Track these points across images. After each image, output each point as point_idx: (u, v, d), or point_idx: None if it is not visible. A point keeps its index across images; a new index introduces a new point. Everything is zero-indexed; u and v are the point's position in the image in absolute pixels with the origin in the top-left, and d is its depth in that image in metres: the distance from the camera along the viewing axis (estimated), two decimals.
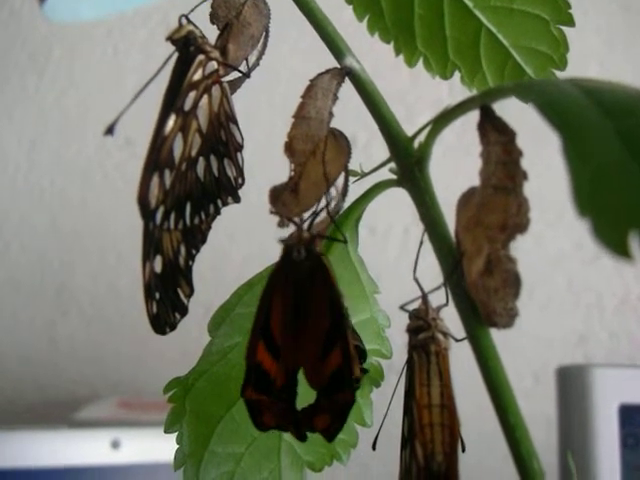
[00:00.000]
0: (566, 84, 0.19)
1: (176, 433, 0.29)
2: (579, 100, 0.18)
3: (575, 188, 0.16)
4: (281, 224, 0.24)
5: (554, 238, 0.79)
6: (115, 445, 0.61)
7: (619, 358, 0.78)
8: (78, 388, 0.84)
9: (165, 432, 0.28)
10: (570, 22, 0.30)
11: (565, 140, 0.17)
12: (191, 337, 0.82)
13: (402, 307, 0.25)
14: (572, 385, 0.51)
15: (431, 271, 0.26)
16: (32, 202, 0.87)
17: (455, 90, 0.81)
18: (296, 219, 0.24)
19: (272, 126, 0.81)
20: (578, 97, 0.18)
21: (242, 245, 0.80)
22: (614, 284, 0.79)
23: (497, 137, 0.22)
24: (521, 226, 0.22)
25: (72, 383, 0.84)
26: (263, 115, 0.81)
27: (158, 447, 0.62)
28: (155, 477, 0.62)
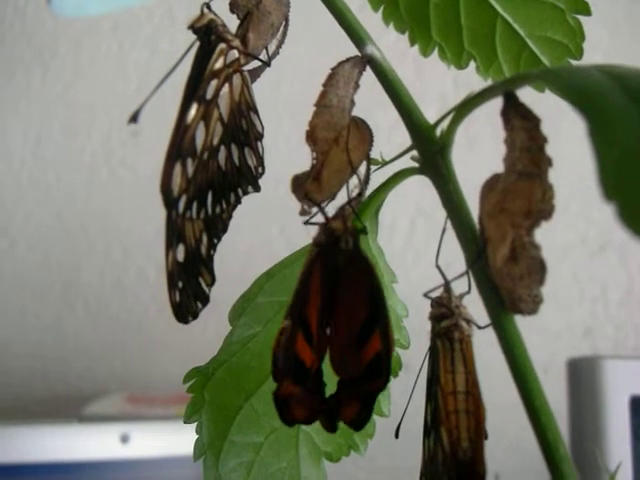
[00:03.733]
0: (591, 69, 0.19)
1: (188, 425, 0.28)
2: (605, 85, 0.18)
3: (601, 173, 0.16)
4: (302, 212, 0.24)
5: (559, 230, 0.79)
6: (124, 439, 0.61)
7: (625, 350, 0.79)
8: (86, 383, 0.84)
9: (185, 422, 0.28)
10: (586, 11, 0.30)
11: (591, 125, 0.17)
12: (197, 331, 0.82)
13: (426, 295, 0.25)
14: (583, 377, 0.52)
15: (444, 259, 0.26)
16: (38, 198, 0.87)
17: (460, 83, 0.82)
18: (320, 205, 0.24)
19: (278, 119, 0.81)
20: (604, 82, 0.18)
21: (247, 238, 0.80)
22: (619, 276, 0.79)
23: (521, 123, 0.22)
24: (546, 212, 0.22)
25: (80, 379, 0.84)
26: (269, 108, 0.81)
27: (167, 441, 0.62)
28: (164, 471, 0.62)
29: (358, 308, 0.22)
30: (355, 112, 0.25)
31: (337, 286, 0.23)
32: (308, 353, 0.23)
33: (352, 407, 0.23)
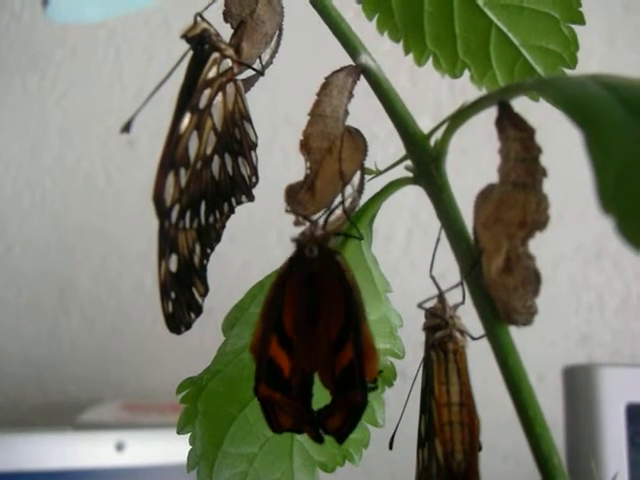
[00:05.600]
0: (587, 80, 0.19)
1: (184, 435, 0.28)
2: (602, 96, 0.18)
3: (599, 186, 0.16)
4: (297, 222, 0.24)
5: (555, 238, 0.79)
6: (119, 447, 0.61)
7: (621, 358, 0.79)
8: (81, 390, 0.83)
9: (178, 433, 0.28)
10: (580, 20, 0.30)
11: (588, 137, 0.17)
12: (193, 339, 0.82)
13: (420, 305, 0.25)
14: (579, 385, 0.51)
15: (439, 269, 0.26)
16: (34, 203, 0.87)
17: (455, 92, 0.82)
18: (310, 217, 0.24)
19: (274, 127, 0.81)
20: (601, 93, 0.18)
21: (242, 247, 0.80)
22: (614, 284, 0.79)
23: (516, 133, 0.22)
24: (540, 223, 0.21)
25: (75, 385, 0.84)
26: (265, 116, 0.81)
27: (162, 449, 0.62)
28: (159, 479, 0.62)
29: (335, 316, 0.22)
30: (351, 122, 0.25)
31: (314, 296, 0.23)
32: (285, 360, 0.23)
33: (336, 418, 0.23)
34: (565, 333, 0.79)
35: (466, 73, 0.31)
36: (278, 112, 0.82)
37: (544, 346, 0.78)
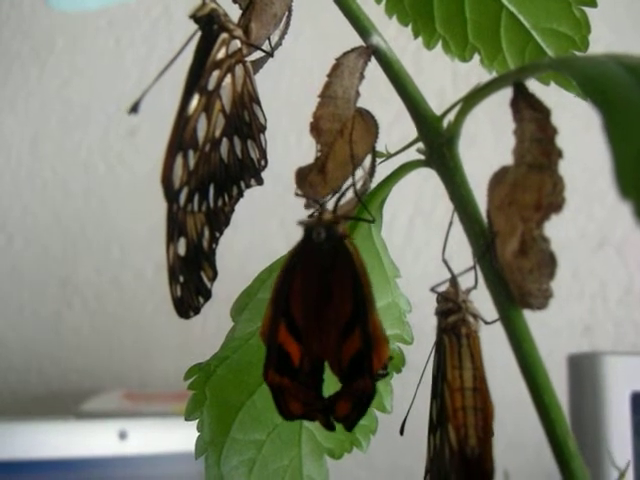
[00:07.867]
0: (607, 60, 0.19)
1: (187, 422, 0.28)
2: (621, 77, 0.18)
3: (618, 169, 0.16)
4: (307, 206, 0.24)
5: (558, 227, 0.78)
6: (122, 436, 0.61)
7: (624, 347, 0.78)
8: (83, 380, 0.83)
9: (185, 419, 0.28)
10: (592, 3, 0.29)
11: (607, 119, 0.17)
12: (195, 327, 0.82)
13: (432, 289, 0.24)
14: (584, 373, 0.51)
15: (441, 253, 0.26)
16: (35, 194, 0.87)
17: (459, 78, 0.81)
18: (319, 200, 0.23)
19: (276, 114, 0.81)
20: (620, 74, 0.18)
21: (245, 234, 0.79)
22: (618, 272, 0.79)
23: (531, 114, 0.21)
24: (556, 205, 0.21)
25: (77, 375, 0.84)
26: (267, 103, 0.81)
27: (165, 438, 0.62)
28: (162, 467, 0.62)
29: (345, 303, 0.22)
30: None
31: (323, 281, 0.22)
32: (294, 346, 0.22)
33: (344, 406, 0.23)
34: (568, 322, 0.79)
35: (474, 57, 0.30)
36: (281, 99, 0.81)
37: (547, 335, 0.77)
